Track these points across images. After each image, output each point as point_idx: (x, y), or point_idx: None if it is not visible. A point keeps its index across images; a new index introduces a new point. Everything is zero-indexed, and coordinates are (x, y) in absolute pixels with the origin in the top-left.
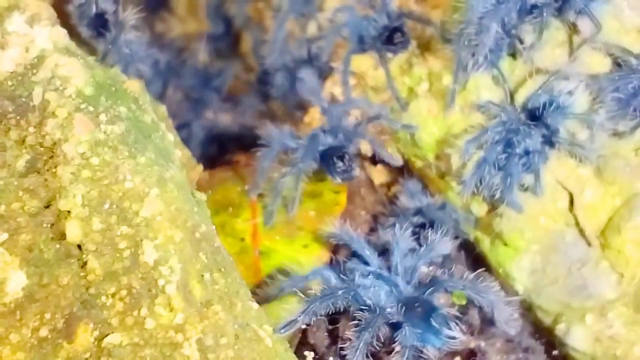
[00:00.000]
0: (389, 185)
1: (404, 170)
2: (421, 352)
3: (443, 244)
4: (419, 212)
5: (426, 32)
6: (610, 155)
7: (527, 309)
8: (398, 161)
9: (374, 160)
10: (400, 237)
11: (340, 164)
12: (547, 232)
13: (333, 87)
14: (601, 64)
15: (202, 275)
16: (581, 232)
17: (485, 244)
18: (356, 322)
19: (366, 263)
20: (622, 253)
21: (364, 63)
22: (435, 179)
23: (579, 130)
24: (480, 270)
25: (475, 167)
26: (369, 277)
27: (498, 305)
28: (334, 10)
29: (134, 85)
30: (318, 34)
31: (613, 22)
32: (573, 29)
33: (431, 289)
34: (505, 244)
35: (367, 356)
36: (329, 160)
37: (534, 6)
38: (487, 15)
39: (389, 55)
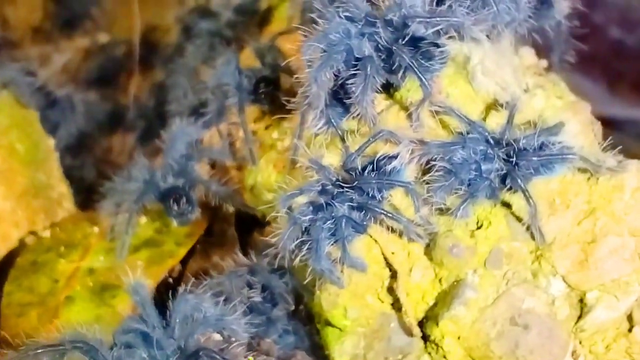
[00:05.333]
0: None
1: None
2: None
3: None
4: (253, 271)
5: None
6: (441, 234)
7: None
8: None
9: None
10: (182, 295)
11: (176, 206)
12: (374, 314)
13: (212, 138)
14: (440, 131)
15: None
16: (402, 317)
17: (316, 319)
18: None
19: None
20: (441, 348)
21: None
22: None
23: (407, 204)
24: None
25: (285, 229)
26: (130, 335)
27: None
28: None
29: None
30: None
31: (466, 86)
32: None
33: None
34: (329, 323)
35: None
36: (167, 201)
37: (358, 59)
38: (314, 65)
39: (263, 106)
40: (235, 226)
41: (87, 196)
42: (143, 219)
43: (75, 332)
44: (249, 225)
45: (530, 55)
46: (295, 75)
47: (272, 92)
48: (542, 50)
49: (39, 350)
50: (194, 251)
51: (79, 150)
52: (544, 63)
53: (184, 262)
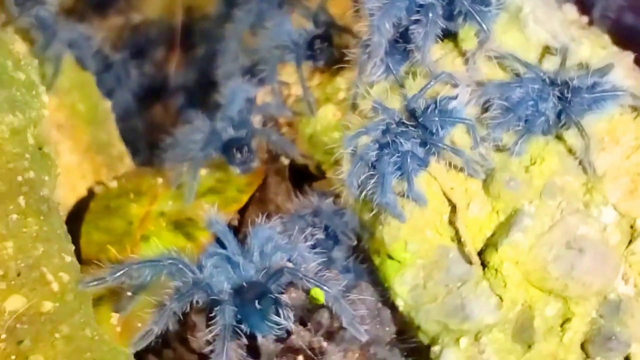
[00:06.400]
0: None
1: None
2: (254, 340)
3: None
4: (315, 212)
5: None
6: (497, 169)
7: (408, 327)
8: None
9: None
10: (259, 225)
11: (239, 155)
12: (432, 246)
13: (265, 96)
14: (496, 74)
15: (9, 216)
16: (462, 248)
17: (375, 255)
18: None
19: (225, 248)
20: (500, 272)
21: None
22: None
23: (466, 143)
24: (363, 280)
25: (352, 165)
26: (214, 258)
27: (344, 307)
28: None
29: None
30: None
31: (518, 34)
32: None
33: (274, 277)
34: (390, 256)
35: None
36: (229, 151)
37: (420, 5)
38: (376, 14)
39: (317, 63)
40: (289, 179)
41: (141, 155)
42: (203, 171)
43: (170, 252)
44: (300, 178)
45: (573, 11)
46: (351, 27)
47: (327, 48)
48: (584, 7)
49: (141, 264)
50: (251, 200)
51: (131, 115)
52: (585, 19)
53: (242, 210)
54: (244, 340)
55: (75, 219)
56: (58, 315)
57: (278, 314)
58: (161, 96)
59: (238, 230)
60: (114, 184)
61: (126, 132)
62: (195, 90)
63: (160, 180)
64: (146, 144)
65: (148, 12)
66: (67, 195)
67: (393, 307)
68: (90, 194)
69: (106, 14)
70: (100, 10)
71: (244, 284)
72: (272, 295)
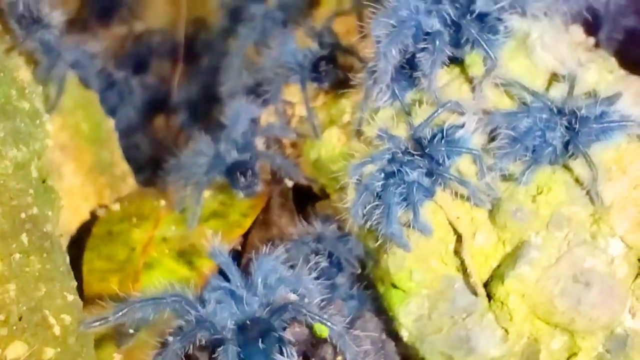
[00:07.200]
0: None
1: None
2: None
3: (309, 276)
4: (319, 239)
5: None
6: (504, 199)
7: (413, 358)
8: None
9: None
10: (262, 256)
11: (242, 179)
12: (438, 276)
13: (268, 117)
14: (502, 102)
15: (12, 255)
16: (467, 278)
17: (379, 283)
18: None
19: (228, 281)
20: (506, 305)
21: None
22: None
23: (473, 172)
24: (367, 310)
25: (357, 195)
26: (218, 292)
27: (348, 344)
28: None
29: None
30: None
31: (525, 60)
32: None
33: (278, 313)
34: (394, 285)
35: None
36: (233, 175)
37: (427, 33)
38: (383, 41)
39: (322, 85)
40: (293, 199)
41: (146, 173)
42: (207, 193)
43: (173, 288)
44: (305, 200)
45: (579, 32)
46: (361, 53)
47: (332, 69)
48: (590, 28)
49: (144, 303)
50: (255, 223)
51: (134, 131)
52: (591, 40)
53: (245, 233)
54: None
55: (78, 244)
56: None
57: (282, 353)
58: (164, 111)
59: (241, 254)
60: (116, 207)
61: (129, 149)
62: (198, 106)
63: (163, 202)
64: (149, 160)
65: (151, 21)
66: (70, 220)
67: (397, 338)
68: (93, 217)
69: (109, 23)
70: (103, 20)
71: (248, 321)
72: (275, 334)
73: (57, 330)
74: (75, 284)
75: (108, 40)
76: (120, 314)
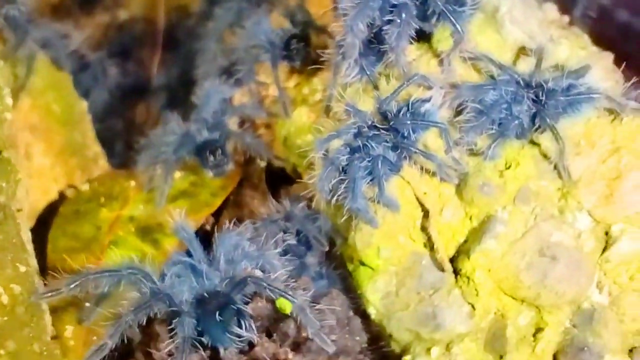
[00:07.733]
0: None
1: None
2: (217, 353)
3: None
4: (288, 217)
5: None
6: (471, 174)
7: (380, 335)
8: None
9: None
10: (226, 231)
11: (212, 158)
12: (405, 253)
13: (242, 97)
14: (470, 76)
15: None
16: (434, 255)
17: (348, 262)
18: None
19: (191, 256)
20: (472, 281)
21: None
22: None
23: (440, 147)
24: (336, 287)
25: (323, 170)
26: (177, 266)
27: (309, 318)
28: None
29: None
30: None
31: (494, 35)
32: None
33: (238, 286)
34: (362, 262)
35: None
36: (203, 154)
37: (394, 5)
38: (350, 13)
39: (293, 63)
40: (265, 181)
41: (118, 157)
42: (178, 174)
43: (131, 260)
44: (278, 181)
45: (553, 10)
46: (329, 26)
47: (303, 48)
48: (564, 7)
49: (98, 274)
50: (226, 204)
51: (109, 115)
52: (565, 19)
53: (216, 214)
54: (206, 353)
55: (45, 223)
56: (5, 330)
57: (240, 326)
58: (143, 96)
59: (211, 235)
60: (86, 187)
61: (104, 133)
62: (177, 91)
63: (133, 183)
64: (124, 145)
65: (134, 8)
66: (38, 200)
67: (365, 316)
68: (62, 197)
69: (92, 11)
70: (86, 7)
71: (206, 294)
72: (233, 306)
73: (4, 299)
74: (32, 255)
75: (91, 29)
76: (74, 285)
